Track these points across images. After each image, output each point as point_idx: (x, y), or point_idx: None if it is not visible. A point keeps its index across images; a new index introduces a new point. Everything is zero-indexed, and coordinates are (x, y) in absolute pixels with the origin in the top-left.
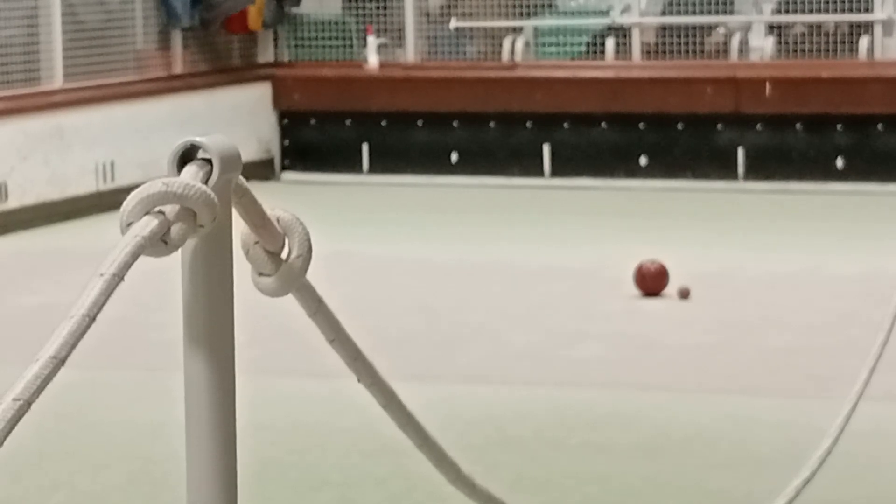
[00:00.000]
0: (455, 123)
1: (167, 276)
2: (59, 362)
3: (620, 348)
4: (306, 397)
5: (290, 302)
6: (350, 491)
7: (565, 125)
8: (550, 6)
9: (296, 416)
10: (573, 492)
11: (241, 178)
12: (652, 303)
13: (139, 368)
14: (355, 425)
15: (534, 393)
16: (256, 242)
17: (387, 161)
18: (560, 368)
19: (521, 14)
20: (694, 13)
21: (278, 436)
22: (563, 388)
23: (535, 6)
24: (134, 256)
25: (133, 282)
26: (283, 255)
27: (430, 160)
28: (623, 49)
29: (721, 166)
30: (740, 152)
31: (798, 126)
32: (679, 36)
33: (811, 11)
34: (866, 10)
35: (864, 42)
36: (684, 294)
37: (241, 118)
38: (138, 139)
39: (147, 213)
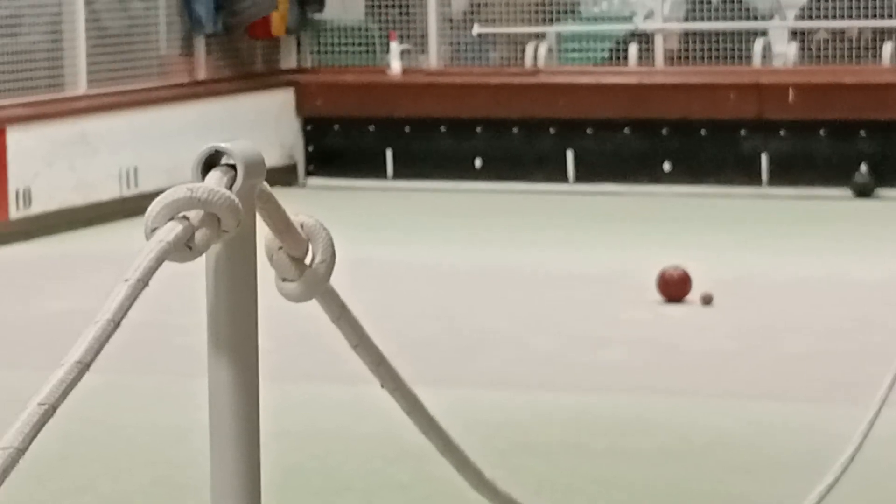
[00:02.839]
0: (478, 129)
1: (191, 280)
2: (84, 367)
3: (643, 354)
4: (329, 403)
5: (313, 307)
6: (373, 496)
7: (588, 131)
8: (573, 12)
9: (319, 422)
10: (596, 497)
11: (265, 183)
12: (675, 309)
13: (163, 373)
14: (378, 431)
15: (557, 398)
16: (280, 248)
17: (410, 167)
18: (583, 374)
19: (545, 20)
20: (717, 19)
21: (301, 441)
22: (586, 394)
23: (559, 12)
24: (158, 262)
25: (157, 286)
26: (307, 260)
27: (453, 166)
28: (646, 55)
29: (745, 172)
30: (764, 158)
31: (822, 132)
32: (702, 42)
33: (835, 17)
34: (890, 16)
35: (887, 48)
36: (707, 300)
37: (264, 124)
38: (162, 145)
39: (171, 219)
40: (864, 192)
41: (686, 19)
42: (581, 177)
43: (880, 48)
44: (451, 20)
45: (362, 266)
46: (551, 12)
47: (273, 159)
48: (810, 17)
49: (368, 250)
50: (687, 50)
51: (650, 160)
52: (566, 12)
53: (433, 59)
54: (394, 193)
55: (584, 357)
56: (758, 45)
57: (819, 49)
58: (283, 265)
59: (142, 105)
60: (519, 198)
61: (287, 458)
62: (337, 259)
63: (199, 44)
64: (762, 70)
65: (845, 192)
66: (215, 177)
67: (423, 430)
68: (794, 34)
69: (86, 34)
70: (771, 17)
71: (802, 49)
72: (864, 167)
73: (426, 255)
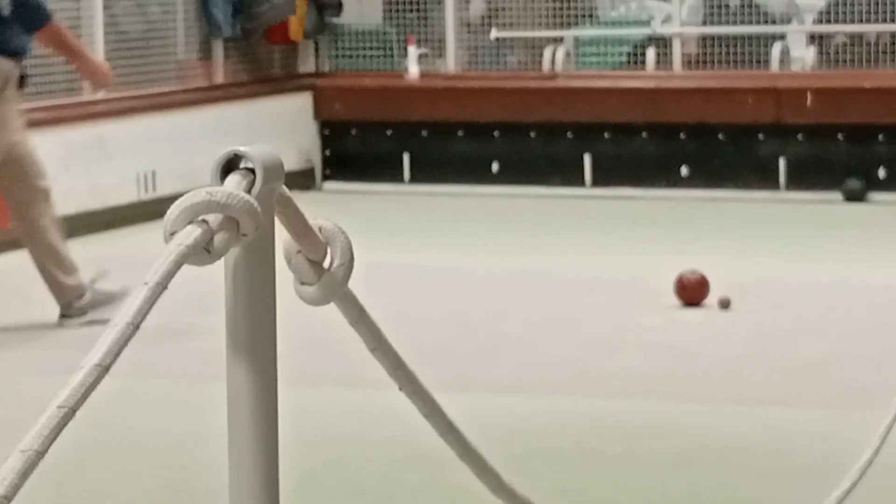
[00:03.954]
0: (496, 133)
1: (210, 284)
2: (103, 370)
3: (659, 359)
4: (346, 407)
5: (331, 311)
6: (389, 501)
7: (606, 135)
8: (591, 16)
9: (336, 426)
10: (611, 502)
11: (283, 187)
12: (691, 313)
13: (181, 377)
14: (395, 435)
15: (573, 403)
16: (299, 251)
17: (427, 171)
18: (599, 379)
19: (562, 24)
20: (734, 23)
21: (319, 445)
22: (602, 399)
23: (576, 16)
24: (177, 265)
25: (176, 289)
26: (326, 264)
27: (470, 170)
28: (664, 59)
29: (762, 176)
30: (781, 162)
31: (839, 136)
32: (720, 46)
33: (853, 21)
34: None
35: None
36: (724, 304)
37: (282, 128)
38: (179, 149)
39: (191, 222)
40: (854, 197)
41: (704, 23)
42: (598, 181)
43: None
44: (468, 24)
45: (380, 270)
46: (569, 16)
47: (290, 163)
48: (828, 22)
49: (385, 254)
50: (704, 54)
51: (667, 164)
52: (584, 16)
53: (451, 63)
54: (410, 197)
55: (599, 362)
56: (776, 49)
57: (837, 53)
58: (302, 269)
59: (159, 109)
60: (536, 202)
61: (304, 462)
62: (355, 263)
63: (217, 48)
64: (780, 74)
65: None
66: (234, 180)
67: (442, 433)
68: (812, 38)
69: (104, 38)
70: (789, 22)
71: (820, 53)
72: (882, 171)
73: (443, 260)
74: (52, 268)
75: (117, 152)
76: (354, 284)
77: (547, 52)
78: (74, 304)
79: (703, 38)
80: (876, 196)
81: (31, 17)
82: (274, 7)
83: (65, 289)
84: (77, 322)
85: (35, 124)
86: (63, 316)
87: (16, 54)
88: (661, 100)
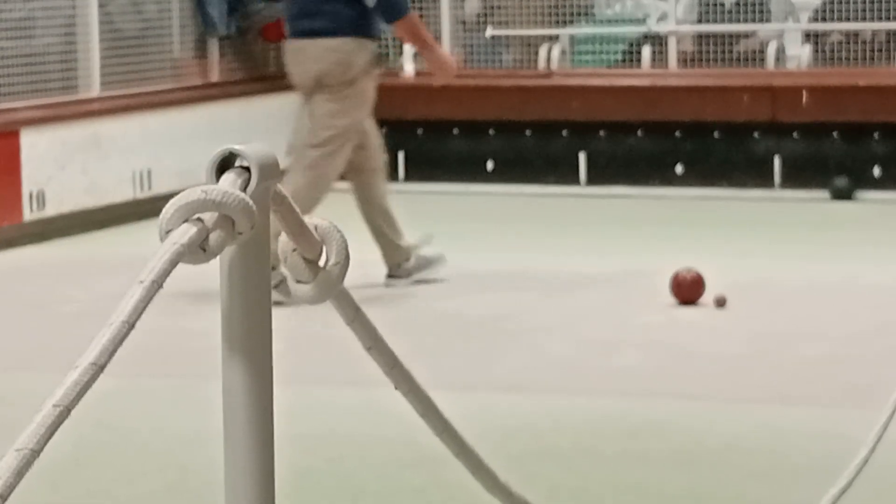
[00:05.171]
0: (491, 132)
1: (206, 282)
2: (98, 369)
3: (657, 358)
4: (343, 406)
5: (327, 309)
6: (388, 500)
7: (601, 133)
8: (587, 14)
9: (333, 425)
10: (610, 501)
11: (279, 185)
12: (688, 312)
13: (177, 376)
14: (393, 435)
15: (570, 402)
16: (294, 250)
17: (423, 169)
18: (596, 378)
19: (558, 22)
20: (730, 21)
21: (315, 445)
22: (600, 398)
23: (572, 14)
24: (173, 264)
25: (173, 288)
26: (321, 262)
27: (465, 168)
28: (659, 57)
29: (757, 175)
30: (777, 161)
31: (835, 134)
32: (715, 44)
33: (848, 20)
34: None
35: None
36: (720, 302)
37: (277, 126)
38: (175, 147)
39: (186, 221)
40: (841, 195)
41: (699, 21)
42: (593, 179)
43: (894, 50)
44: (464, 22)
45: (375, 269)
46: (564, 14)
47: (286, 162)
48: (824, 20)
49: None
50: (700, 52)
51: (663, 162)
52: (579, 14)
53: None
54: (406, 196)
55: (597, 361)
56: (771, 47)
57: (833, 51)
58: (298, 267)
59: (155, 107)
60: (531, 200)
61: (301, 461)
62: (350, 261)
63: (213, 46)
64: (775, 72)
65: (860, 194)
66: (230, 179)
67: (437, 432)
68: (808, 36)
69: (99, 37)
70: (784, 20)
71: (816, 51)
72: (877, 170)
73: None
74: (387, 231)
75: (113, 151)
76: (350, 283)
77: (542, 51)
78: (403, 266)
79: (699, 36)
80: (871, 195)
81: (391, 10)
82: (269, 5)
83: (396, 251)
84: (403, 282)
85: (31, 122)
86: (390, 276)
87: (377, 37)
88: (656, 98)
